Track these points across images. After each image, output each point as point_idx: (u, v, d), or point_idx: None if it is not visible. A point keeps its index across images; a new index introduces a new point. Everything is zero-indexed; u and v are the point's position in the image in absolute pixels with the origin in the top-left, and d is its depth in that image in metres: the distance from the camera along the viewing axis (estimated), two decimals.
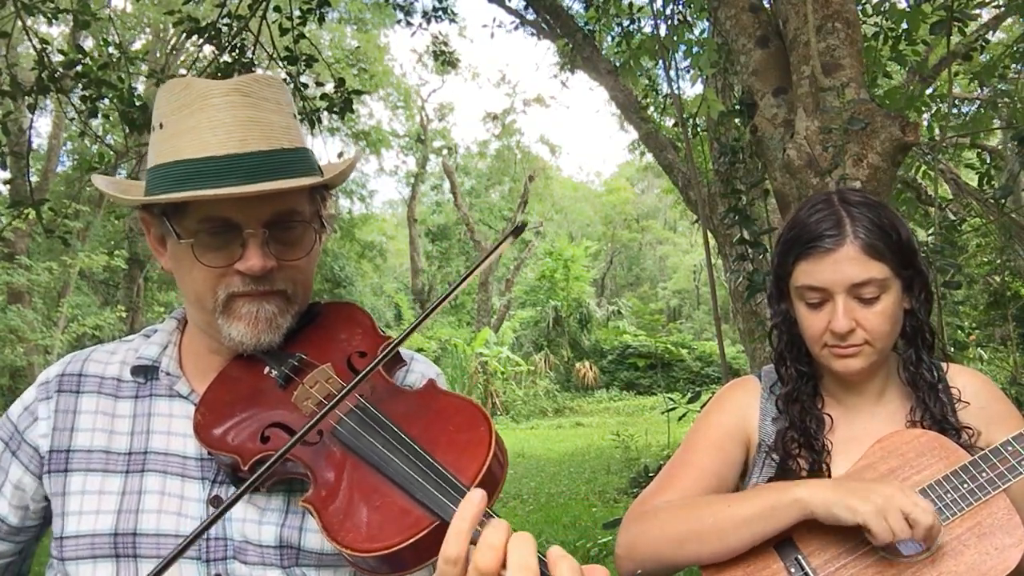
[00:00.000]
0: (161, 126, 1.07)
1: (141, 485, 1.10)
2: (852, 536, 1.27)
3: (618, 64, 7.47)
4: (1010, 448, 1.27)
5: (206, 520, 0.78)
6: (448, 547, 0.78)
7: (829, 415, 1.42)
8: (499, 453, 0.94)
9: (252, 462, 1.01)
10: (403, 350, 1.20)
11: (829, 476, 1.37)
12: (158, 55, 18.50)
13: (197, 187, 1.01)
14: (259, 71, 5.74)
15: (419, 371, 1.25)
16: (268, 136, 1.05)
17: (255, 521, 1.07)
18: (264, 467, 0.84)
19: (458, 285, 1.04)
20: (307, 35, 5.78)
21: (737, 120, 4.61)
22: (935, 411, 1.37)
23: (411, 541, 0.87)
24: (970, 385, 1.42)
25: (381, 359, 0.95)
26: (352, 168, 1.21)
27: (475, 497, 0.80)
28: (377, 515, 0.91)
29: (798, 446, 1.39)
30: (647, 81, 8.00)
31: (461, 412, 1.00)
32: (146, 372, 1.18)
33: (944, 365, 1.43)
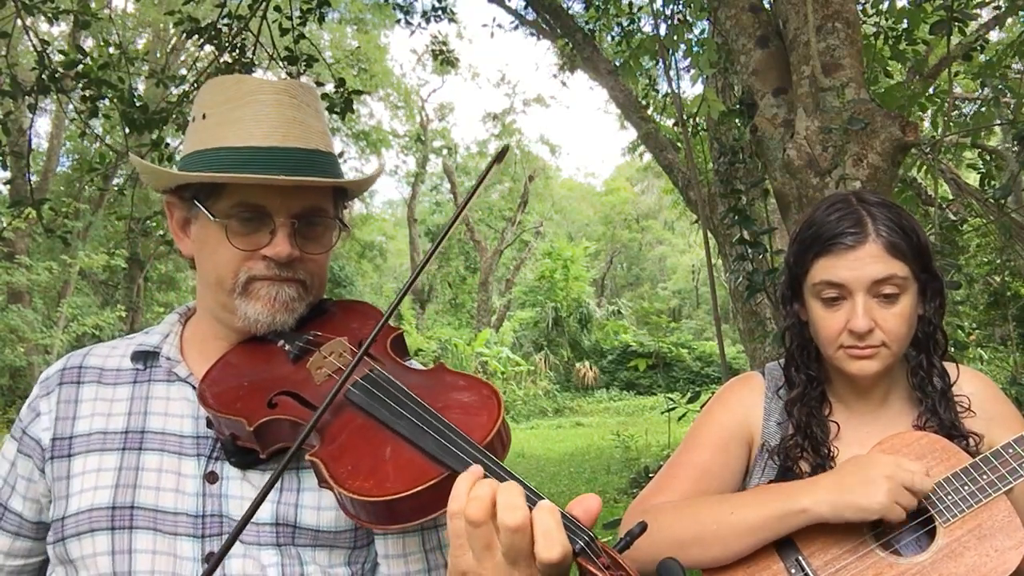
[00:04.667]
0: (204, 116, 1.13)
1: (139, 463, 1.13)
2: (853, 537, 1.27)
3: (618, 64, 7.47)
4: (1011, 451, 1.27)
5: (256, 498, 0.87)
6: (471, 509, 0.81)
7: (836, 422, 1.41)
8: (503, 431, 0.96)
9: (257, 425, 1.03)
10: None
11: None
12: (158, 55, 18.48)
13: (239, 172, 1.07)
14: (259, 71, 5.74)
15: None
16: (308, 137, 1.13)
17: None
18: (303, 434, 0.90)
19: (451, 225, 1.11)
20: (307, 35, 5.77)
21: (737, 120, 4.61)
22: (944, 419, 1.36)
23: (419, 488, 0.88)
24: (977, 392, 1.41)
25: (392, 309, 0.99)
26: (375, 180, 1.29)
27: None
28: (386, 464, 0.93)
29: (801, 451, 1.38)
30: (647, 81, 8.00)
31: (471, 384, 1.04)
32: (145, 358, 1.21)
33: (953, 371, 1.42)
